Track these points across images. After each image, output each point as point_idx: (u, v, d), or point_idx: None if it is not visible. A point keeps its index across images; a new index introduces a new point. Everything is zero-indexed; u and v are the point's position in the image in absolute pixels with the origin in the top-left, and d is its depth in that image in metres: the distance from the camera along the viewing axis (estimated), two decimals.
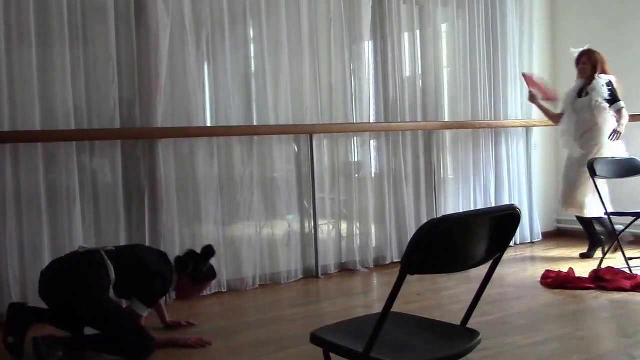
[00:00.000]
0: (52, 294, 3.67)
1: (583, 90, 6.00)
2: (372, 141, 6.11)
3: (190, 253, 4.07)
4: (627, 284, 4.85)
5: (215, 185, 5.24)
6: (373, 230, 6.08)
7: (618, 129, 5.82)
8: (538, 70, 6.98)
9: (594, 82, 5.88)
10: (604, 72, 5.95)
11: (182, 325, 4.20)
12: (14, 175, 4.46)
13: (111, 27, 4.78)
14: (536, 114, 7.00)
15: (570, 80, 6.19)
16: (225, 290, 5.22)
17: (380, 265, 6.03)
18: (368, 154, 6.07)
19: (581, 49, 6.06)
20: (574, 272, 5.19)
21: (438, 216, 3.39)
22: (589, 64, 5.96)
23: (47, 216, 4.56)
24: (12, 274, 4.43)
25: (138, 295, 3.76)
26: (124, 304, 3.95)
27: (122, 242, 4.73)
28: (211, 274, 4.15)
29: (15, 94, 4.46)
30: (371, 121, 6.06)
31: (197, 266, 4.01)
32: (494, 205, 6.57)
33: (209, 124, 5.28)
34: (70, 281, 3.62)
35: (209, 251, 4.04)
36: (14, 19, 4.44)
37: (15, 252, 4.47)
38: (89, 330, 3.66)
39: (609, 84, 5.87)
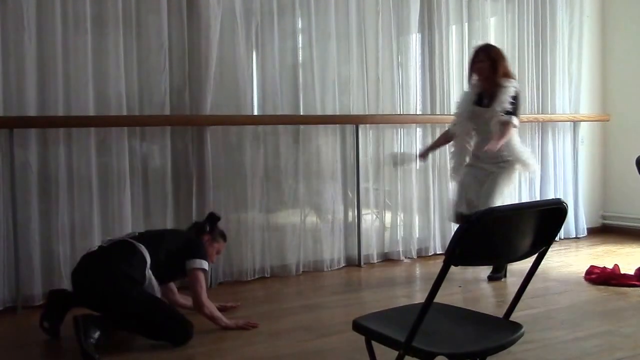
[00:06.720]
0: (85, 295, 3.65)
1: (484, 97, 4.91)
2: (417, 132, 6.10)
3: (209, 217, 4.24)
4: None
5: (261, 173, 5.31)
6: (417, 221, 6.08)
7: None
8: (587, 66, 6.89)
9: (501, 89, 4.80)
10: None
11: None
12: (67, 158, 4.59)
13: (163, 16, 4.88)
14: (584, 108, 6.92)
15: (619, 76, 6.05)
16: (269, 276, 5.31)
17: (422, 256, 6.05)
18: (413, 145, 6.05)
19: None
20: (619, 269, 5.12)
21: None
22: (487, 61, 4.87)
23: (97, 199, 4.69)
24: (62, 253, 4.56)
25: (188, 257, 3.84)
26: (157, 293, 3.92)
27: (170, 226, 4.85)
28: (224, 235, 4.35)
29: (70, 80, 4.59)
30: (417, 113, 6.06)
31: (212, 226, 4.18)
32: (538, 199, 6.52)
33: (256, 113, 5.36)
34: (99, 281, 3.60)
35: (214, 216, 4.25)
36: (70, 7, 4.56)
37: (67, 232, 4.60)
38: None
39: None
